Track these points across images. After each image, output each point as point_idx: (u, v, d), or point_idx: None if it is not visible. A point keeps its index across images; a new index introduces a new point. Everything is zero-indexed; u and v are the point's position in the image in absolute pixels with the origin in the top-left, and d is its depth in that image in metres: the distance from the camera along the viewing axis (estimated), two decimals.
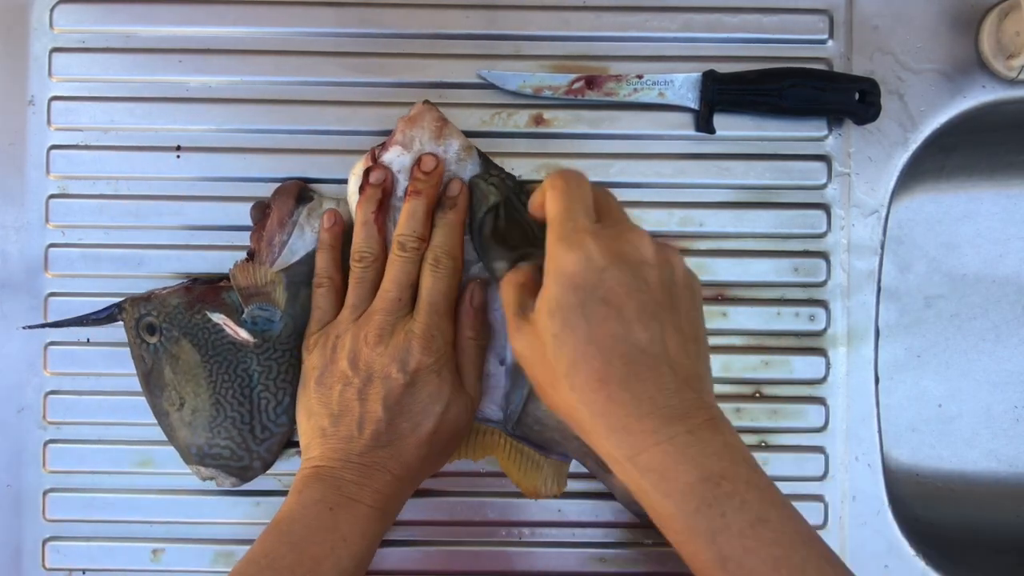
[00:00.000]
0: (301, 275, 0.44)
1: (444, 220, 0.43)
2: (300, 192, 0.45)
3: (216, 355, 0.44)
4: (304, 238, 0.45)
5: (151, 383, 0.45)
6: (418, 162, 0.43)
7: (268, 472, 0.47)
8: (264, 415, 0.44)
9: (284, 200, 0.45)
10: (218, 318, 0.44)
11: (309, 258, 0.45)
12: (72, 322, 0.46)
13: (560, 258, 0.34)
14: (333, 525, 0.38)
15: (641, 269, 0.35)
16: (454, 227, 0.43)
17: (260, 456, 0.45)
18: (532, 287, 0.37)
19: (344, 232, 0.45)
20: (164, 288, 0.45)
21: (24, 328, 0.47)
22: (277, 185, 0.46)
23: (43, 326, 0.46)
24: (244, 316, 0.44)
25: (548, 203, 0.37)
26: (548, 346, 0.34)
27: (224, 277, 0.45)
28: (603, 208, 0.37)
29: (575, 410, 0.34)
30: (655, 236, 0.37)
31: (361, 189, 0.44)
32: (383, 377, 0.40)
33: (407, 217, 0.42)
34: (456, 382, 0.42)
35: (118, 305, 0.45)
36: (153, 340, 0.44)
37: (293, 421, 0.45)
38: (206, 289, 0.45)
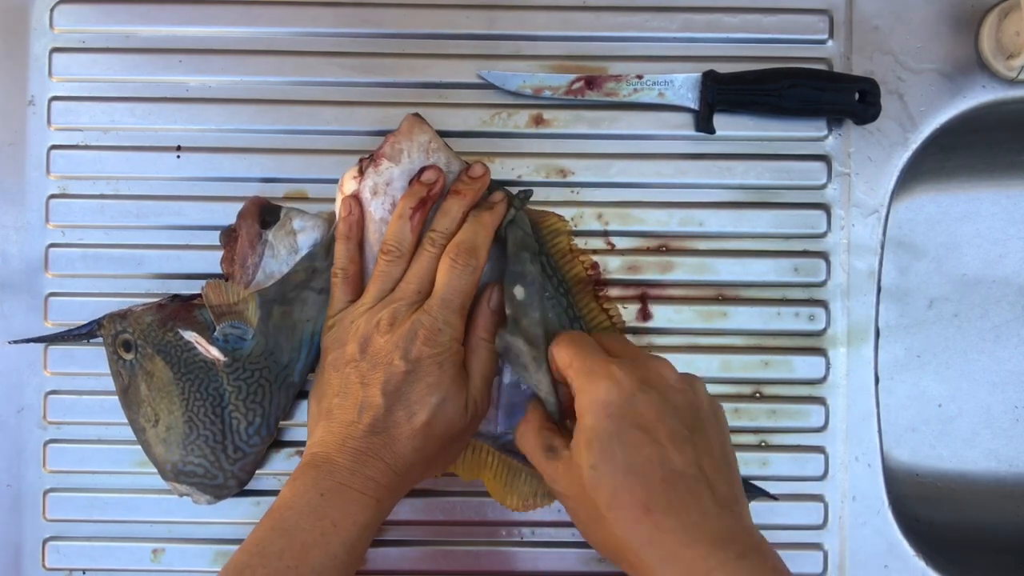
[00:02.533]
0: (274, 294, 0.44)
1: (477, 218, 0.43)
2: (262, 211, 0.45)
3: (188, 373, 0.44)
4: (277, 257, 0.44)
5: (128, 399, 0.45)
6: (467, 169, 0.44)
7: (267, 472, 0.47)
8: (236, 435, 0.44)
9: (249, 222, 0.44)
10: (190, 336, 0.44)
11: (284, 277, 0.44)
12: (53, 338, 0.46)
13: (590, 390, 0.36)
14: (323, 511, 0.37)
15: (668, 393, 0.36)
16: (485, 227, 0.42)
17: (234, 475, 0.45)
18: (551, 427, 0.39)
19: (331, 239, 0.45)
20: (141, 304, 0.45)
21: (11, 343, 0.47)
22: (291, 186, 0.46)
23: (27, 341, 0.46)
24: (215, 334, 0.44)
25: (559, 356, 0.39)
26: (586, 479, 0.35)
27: (199, 295, 0.45)
28: (614, 347, 0.39)
29: (621, 543, 0.34)
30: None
31: (410, 183, 0.43)
32: (386, 364, 0.40)
33: (442, 215, 0.42)
34: (459, 379, 0.41)
35: (97, 322, 0.45)
36: (129, 357, 0.44)
37: (265, 441, 0.45)
38: (179, 306, 0.44)
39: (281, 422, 0.46)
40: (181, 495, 0.45)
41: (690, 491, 0.34)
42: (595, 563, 0.47)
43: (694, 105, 0.47)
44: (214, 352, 0.43)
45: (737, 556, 0.32)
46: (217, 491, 0.45)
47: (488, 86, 0.47)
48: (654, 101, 0.47)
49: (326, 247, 0.44)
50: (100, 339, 0.45)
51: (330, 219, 0.45)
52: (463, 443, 0.44)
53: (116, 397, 0.46)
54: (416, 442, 0.40)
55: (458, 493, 0.47)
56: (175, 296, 0.46)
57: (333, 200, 0.46)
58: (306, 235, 0.44)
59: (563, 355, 0.38)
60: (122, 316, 0.44)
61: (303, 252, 0.44)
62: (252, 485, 0.46)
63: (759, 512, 0.47)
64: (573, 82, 0.47)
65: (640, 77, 0.47)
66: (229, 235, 0.45)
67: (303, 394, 0.47)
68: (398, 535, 0.47)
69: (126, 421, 0.46)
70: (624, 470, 0.34)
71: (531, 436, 0.39)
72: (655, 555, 0.33)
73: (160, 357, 0.44)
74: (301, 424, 0.47)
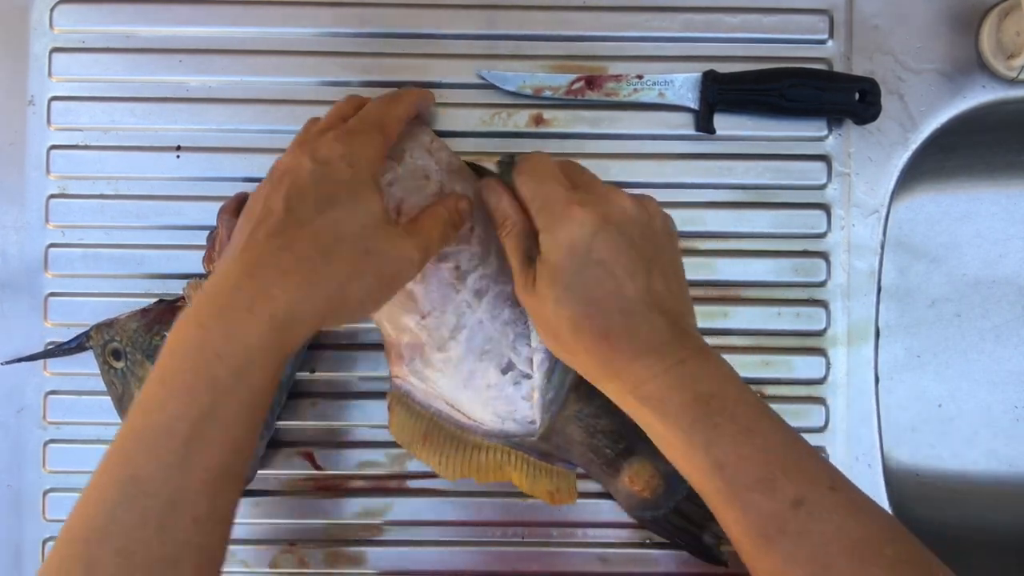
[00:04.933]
0: None
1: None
2: (241, 206, 0.45)
3: None
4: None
5: (124, 407, 0.45)
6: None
7: (267, 472, 0.47)
8: None
9: (227, 218, 0.44)
10: None
11: None
12: (44, 355, 0.46)
13: (553, 229, 0.37)
14: (203, 343, 0.33)
15: (626, 227, 0.38)
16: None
17: None
18: (533, 233, 0.39)
19: None
20: (125, 313, 0.45)
21: (2, 364, 0.47)
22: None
23: (18, 360, 0.46)
24: None
25: (522, 187, 0.39)
26: (550, 311, 0.37)
27: (183, 297, 0.45)
28: (573, 176, 0.40)
29: (580, 359, 0.38)
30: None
31: None
32: (294, 170, 0.37)
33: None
34: (375, 186, 0.37)
35: (85, 334, 0.45)
36: (120, 365, 0.44)
37: (263, 438, 0.45)
38: (163, 309, 0.44)
39: (280, 421, 0.46)
40: None
41: (644, 316, 0.37)
42: (595, 563, 0.47)
43: (694, 105, 0.47)
44: None
45: (679, 362, 0.36)
46: None
47: (488, 86, 0.47)
48: (654, 101, 0.47)
49: None
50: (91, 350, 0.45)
51: None
52: (387, 268, 0.37)
53: None
54: (321, 242, 0.35)
55: (458, 493, 0.47)
56: (159, 300, 0.46)
57: None
58: None
59: (526, 188, 0.39)
60: (108, 325, 0.44)
61: None
62: (252, 486, 0.46)
63: None
64: (573, 82, 0.47)
65: (640, 77, 0.47)
66: (213, 234, 0.45)
67: (300, 394, 0.47)
68: (398, 535, 0.47)
69: None
70: (584, 303, 0.37)
71: (515, 239, 0.39)
72: (610, 369, 0.37)
73: (150, 362, 0.43)
74: (301, 424, 0.47)
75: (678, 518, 0.45)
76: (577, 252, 0.37)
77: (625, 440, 0.44)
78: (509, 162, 0.45)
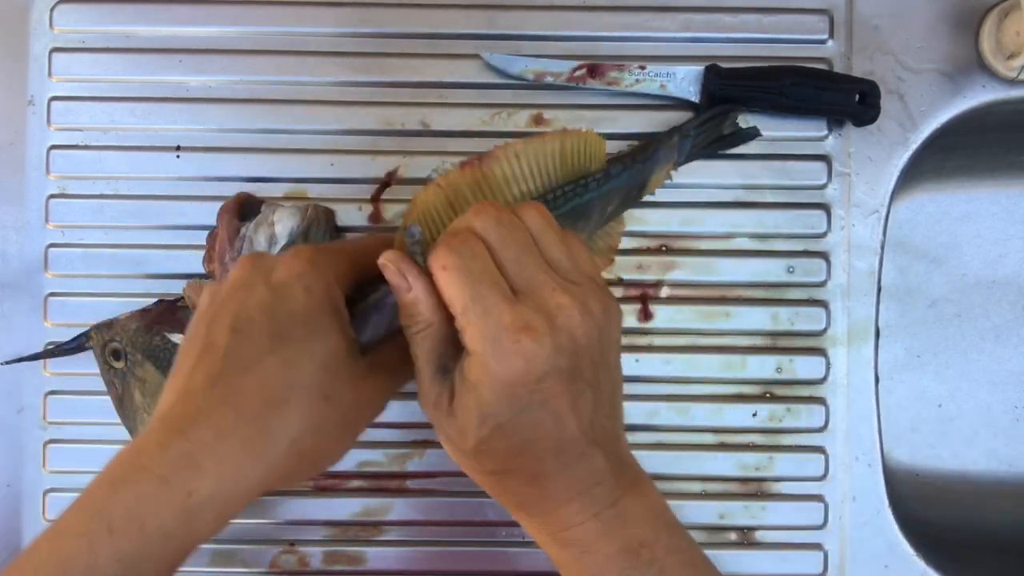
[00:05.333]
0: None
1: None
2: (242, 207, 0.45)
3: None
4: (256, 251, 0.44)
5: (124, 408, 0.44)
6: None
7: None
8: None
9: (228, 218, 0.44)
10: (176, 338, 0.43)
11: None
12: (44, 355, 0.46)
13: (491, 360, 0.30)
14: (104, 509, 0.27)
15: (576, 356, 0.31)
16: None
17: None
18: (450, 337, 0.32)
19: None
20: (125, 313, 0.45)
21: (2, 364, 0.47)
22: (291, 186, 0.46)
23: (18, 360, 0.46)
24: None
25: (447, 287, 0.30)
26: (470, 442, 0.31)
27: (183, 297, 0.45)
28: (512, 269, 0.31)
29: (496, 491, 0.34)
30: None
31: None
32: (244, 289, 0.31)
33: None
34: (337, 316, 0.32)
35: (84, 334, 0.45)
36: (119, 365, 0.44)
37: None
38: (163, 310, 0.44)
39: None
40: None
41: (581, 455, 0.31)
42: None
43: (695, 98, 0.46)
44: None
45: (610, 504, 0.32)
46: None
47: (488, 86, 0.47)
48: (656, 92, 0.46)
49: (303, 236, 0.44)
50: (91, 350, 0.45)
51: (305, 208, 0.45)
52: (351, 415, 0.33)
53: None
54: (270, 391, 0.29)
55: (458, 493, 0.47)
56: (159, 300, 0.46)
57: (333, 200, 0.47)
58: (283, 225, 0.44)
59: (453, 292, 0.30)
60: (108, 326, 0.44)
61: (282, 243, 0.44)
62: None
63: (760, 510, 0.47)
64: (575, 69, 0.46)
65: (643, 67, 0.46)
66: (213, 234, 0.45)
67: None
68: (398, 535, 0.47)
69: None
70: (517, 445, 0.31)
71: (427, 343, 0.32)
72: (533, 510, 0.33)
73: (150, 362, 0.43)
74: None
75: (699, 129, 0.45)
76: (517, 394, 0.30)
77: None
78: (419, 238, 0.33)
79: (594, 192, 0.41)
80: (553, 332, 0.30)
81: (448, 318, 0.31)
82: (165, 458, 0.28)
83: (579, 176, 0.40)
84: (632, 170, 0.43)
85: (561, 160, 0.39)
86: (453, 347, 0.32)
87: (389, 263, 0.32)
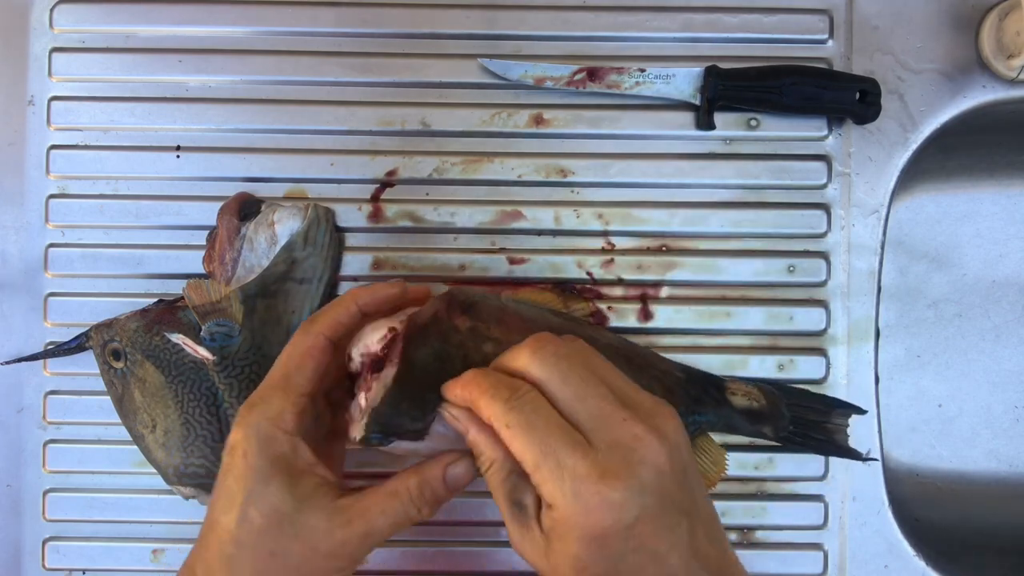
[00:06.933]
0: (256, 288, 0.44)
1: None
2: (242, 207, 0.45)
3: (179, 375, 0.43)
4: (256, 251, 0.44)
5: (124, 408, 0.44)
6: None
7: None
8: None
9: (228, 218, 0.44)
10: (176, 338, 0.43)
11: (265, 270, 0.44)
12: (44, 355, 0.46)
13: (575, 519, 0.29)
14: None
15: (662, 488, 0.29)
16: None
17: None
18: (520, 469, 0.31)
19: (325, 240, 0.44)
20: (125, 313, 0.45)
21: (2, 364, 0.47)
22: (291, 186, 0.46)
23: (18, 360, 0.46)
24: (202, 333, 0.43)
25: (516, 446, 0.30)
26: None
27: (183, 297, 0.45)
28: (582, 405, 0.31)
29: None
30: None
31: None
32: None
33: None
34: (279, 471, 0.33)
35: (85, 334, 0.45)
36: (119, 365, 0.44)
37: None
38: (163, 310, 0.44)
39: None
40: (187, 498, 0.45)
41: None
42: None
43: (695, 100, 0.46)
44: (202, 352, 0.43)
45: None
46: None
47: (488, 86, 0.47)
48: (655, 94, 0.47)
49: (303, 236, 0.44)
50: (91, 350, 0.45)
51: (305, 208, 0.45)
52: (304, 569, 0.33)
53: None
54: (223, 550, 0.33)
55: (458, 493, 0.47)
56: (159, 300, 0.46)
57: (333, 200, 0.47)
58: (283, 226, 0.44)
59: (521, 449, 0.30)
60: (108, 326, 0.44)
61: (282, 243, 0.44)
62: None
63: (760, 510, 0.47)
64: (575, 72, 0.46)
65: (643, 70, 0.46)
66: (213, 234, 0.45)
67: None
68: (398, 535, 0.47)
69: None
70: None
71: (498, 477, 0.32)
72: None
73: (150, 362, 0.43)
74: None
75: (801, 425, 0.45)
76: (610, 544, 0.29)
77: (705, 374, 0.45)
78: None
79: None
80: (635, 471, 0.29)
81: (509, 453, 0.31)
82: None
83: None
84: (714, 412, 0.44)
85: None
86: (524, 479, 0.31)
87: (450, 409, 0.33)
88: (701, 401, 0.43)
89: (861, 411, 0.46)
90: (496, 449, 0.31)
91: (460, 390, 0.32)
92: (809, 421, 0.45)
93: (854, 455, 0.45)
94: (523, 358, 0.31)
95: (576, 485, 0.29)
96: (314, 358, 0.35)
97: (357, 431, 0.34)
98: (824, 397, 0.46)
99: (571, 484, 0.29)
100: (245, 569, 0.32)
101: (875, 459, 0.46)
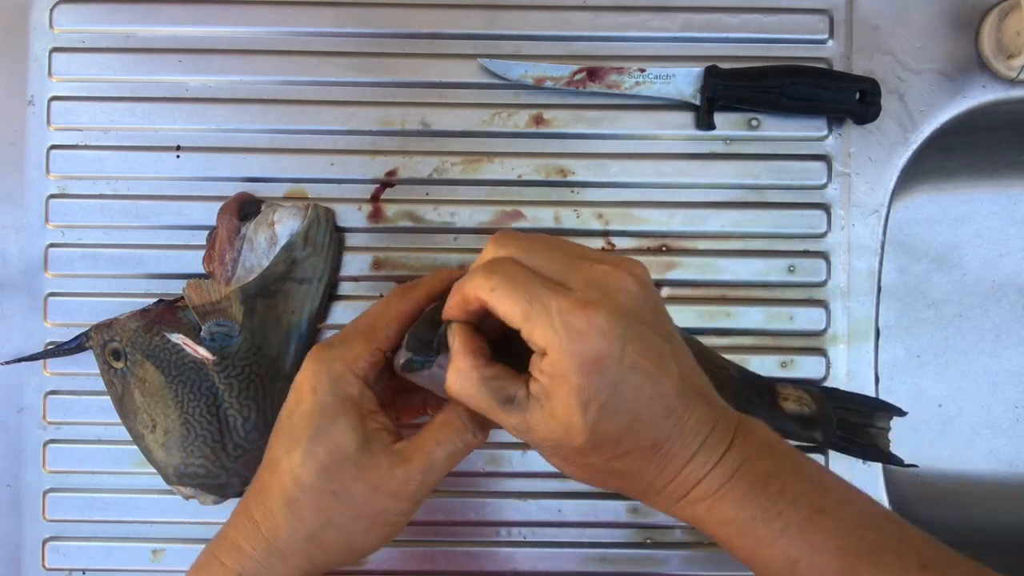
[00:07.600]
0: (256, 288, 0.44)
1: None
2: (242, 207, 0.45)
3: (179, 375, 0.43)
4: (256, 251, 0.44)
5: (124, 408, 0.44)
6: None
7: None
8: (234, 433, 0.44)
9: (228, 218, 0.44)
10: (176, 338, 0.43)
11: (265, 270, 0.44)
12: (44, 355, 0.46)
13: (571, 349, 0.30)
14: None
15: (640, 311, 0.31)
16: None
17: (237, 472, 0.44)
18: (496, 369, 0.32)
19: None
20: (125, 313, 0.45)
21: (2, 364, 0.47)
22: (291, 186, 0.46)
23: (18, 360, 0.46)
24: (202, 333, 0.43)
25: (500, 306, 0.31)
26: (584, 439, 0.31)
27: (183, 297, 0.45)
28: (546, 264, 0.32)
29: (624, 486, 0.33)
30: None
31: None
32: (290, 394, 0.36)
33: None
34: (348, 411, 0.35)
35: (84, 334, 0.45)
36: (119, 365, 0.44)
37: (264, 436, 0.44)
38: (163, 310, 0.44)
39: None
40: (187, 498, 0.45)
41: (686, 408, 0.31)
42: (594, 563, 0.47)
43: (695, 100, 0.46)
44: (202, 352, 0.43)
45: (726, 449, 0.32)
46: (221, 490, 0.45)
47: (488, 86, 0.47)
48: (655, 94, 0.47)
49: (303, 236, 0.44)
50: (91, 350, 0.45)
51: (305, 208, 0.45)
52: (365, 509, 0.34)
53: None
54: (286, 491, 0.34)
55: (458, 493, 0.47)
56: (159, 300, 0.46)
57: (333, 200, 0.47)
58: (283, 226, 0.44)
59: (507, 305, 0.31)
60: (108, 326, 0.44)
61: (282, 243, 0.44)
62: None
63: None
64: (575, 72, 0.46)
65: (643, 70, 0.46)
66: (213, 234, 0.45)
67: None
68: (396, 535, 0.47)
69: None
70: (629, 421, 0.31)
71: (474, 386, 0.32)
72: (657, 485, 0.32)
73: (150, 362, 0.43)
74: None
75: (845, 429, 0.44)
76: (608, 366, 0.30)
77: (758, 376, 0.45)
78: (429, 340, 0.35)
79: None
80: (612, 296, 0.31)
81: (488, 360, 0.32)
82: (222, 544, 0.35)
83: None
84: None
85: None
86: (506, 377, 0.32)
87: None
88: (753, 403, 0.43)
89: (902, 412, 0.46)
90: (472, 360, 0.32)
91: (452, 296, 0.33)
92: (853, 424, 0.45)
93: (896, 461, 0.45)
94: (489, 249, 0.33)
95: (564, 318, 0.30)
96: (402, 321, 0.37)
97: (401, 356, 0.35)
98: (867, 398, 0.46)
99: (559, 319, 0.30)
100: (308, 512, 0.33)
101: (915, 465, 0.46)
